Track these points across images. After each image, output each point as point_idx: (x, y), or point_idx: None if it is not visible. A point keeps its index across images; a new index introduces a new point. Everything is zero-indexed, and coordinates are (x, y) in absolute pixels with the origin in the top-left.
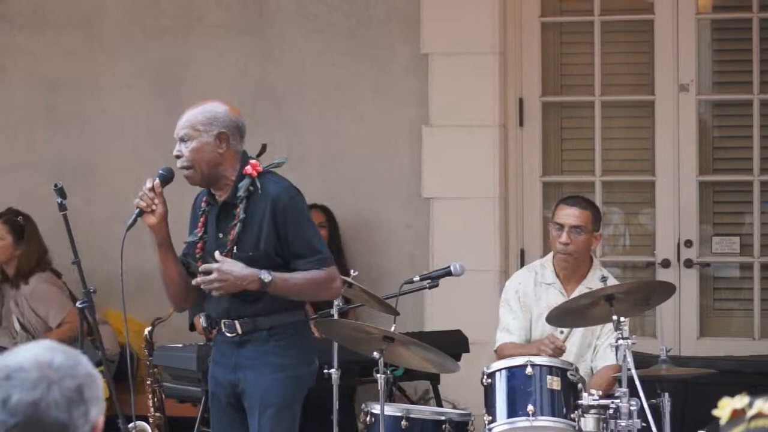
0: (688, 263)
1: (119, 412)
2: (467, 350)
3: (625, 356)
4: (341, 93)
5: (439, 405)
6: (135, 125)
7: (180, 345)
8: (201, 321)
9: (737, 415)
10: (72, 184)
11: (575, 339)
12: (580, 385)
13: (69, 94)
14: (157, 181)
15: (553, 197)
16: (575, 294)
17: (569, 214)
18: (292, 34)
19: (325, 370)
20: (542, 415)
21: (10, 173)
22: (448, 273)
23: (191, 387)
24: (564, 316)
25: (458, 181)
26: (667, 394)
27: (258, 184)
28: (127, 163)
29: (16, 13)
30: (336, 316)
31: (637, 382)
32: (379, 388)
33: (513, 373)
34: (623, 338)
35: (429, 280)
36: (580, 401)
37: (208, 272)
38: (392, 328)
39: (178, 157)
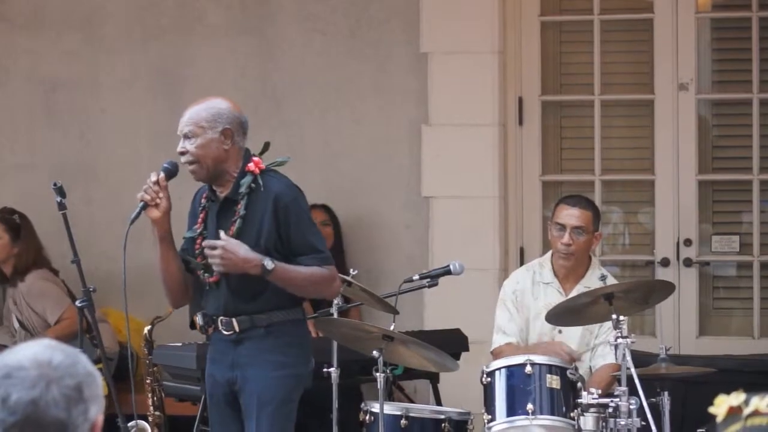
0: (688, 262)
1: (118, 411)
2: (467, 349)
3: (624, 355)
4: (341, 92)
5: (439, 404)
6: (135, 125)
7: (179, 344)
8: (198, 319)
9: (734, 413)
10: (72, 184)
11: (574, 338)
12: (579, 384)
13: (69, 94)
14: (162, 174)
15: (553, 196)
16: (573, 293)
17: (571, 215)
18: (292, 33)
19: (325, 369)
20: (542, 413)
21: (10, 173)
22: (447, 272)
23: (191, 386)
24: (563, 315)
25: (458, 180)
26: (666, 393)
27: (260, 182)
28: (127, 162)
29: (17, 13)
30: (335, 315)
31: (637, 381)
32: (379, 387)
33: (512, 371)
34: (622, 337)
35: (428, 279)
36: (579, 400)
37: (212, 248)
38: (392, 327)
39: (182, 153)
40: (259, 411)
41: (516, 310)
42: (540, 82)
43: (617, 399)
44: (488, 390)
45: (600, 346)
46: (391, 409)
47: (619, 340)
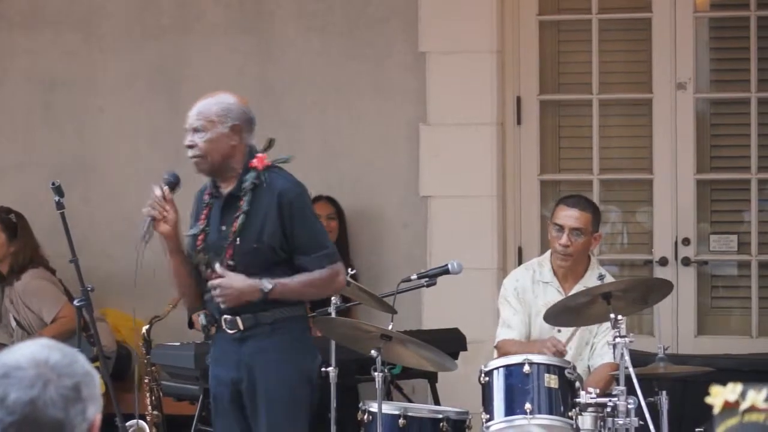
0: (686, 261)
1: (117, 410)
2: (465, 348)
3: (622, 354)
4: (339, 91)
5: (437, 403)
6: (134, 124)
7: (177, 343)
8: (200, 319)
9: (730, 407)
10: (70, 183)
11: (573, 338)
12: (577, 384)
13: (68, 93)
14: (167, 188)
15: (551, 195)
16: (572, 293)
17: (570, 216)
18: (290, 32)
19: (323, 369)
20: (540, 413)
21: (8, 172)
22: (445, 271)
23: (189, 385)
24: (561, 314)
25: (456, 179)
26: (664, 393)
27: (264, 178)
28: (125, 161)
29: (15, 12)
30: (333, 315)
31: (635, 381)
32: (377, 386)
33: (510, 371)
34: (621, 336)
35: (426, 279)
36: (577, 399)
37: (214, 288)
38: (390, 327)
39: (190, 146)
40: (268, 411)
41: (519, 305)
42: (538, 81)
43: (615, 398)
44: (486, 389)
45: (599, 346)
46: (389, 408)
47: (618, 340)
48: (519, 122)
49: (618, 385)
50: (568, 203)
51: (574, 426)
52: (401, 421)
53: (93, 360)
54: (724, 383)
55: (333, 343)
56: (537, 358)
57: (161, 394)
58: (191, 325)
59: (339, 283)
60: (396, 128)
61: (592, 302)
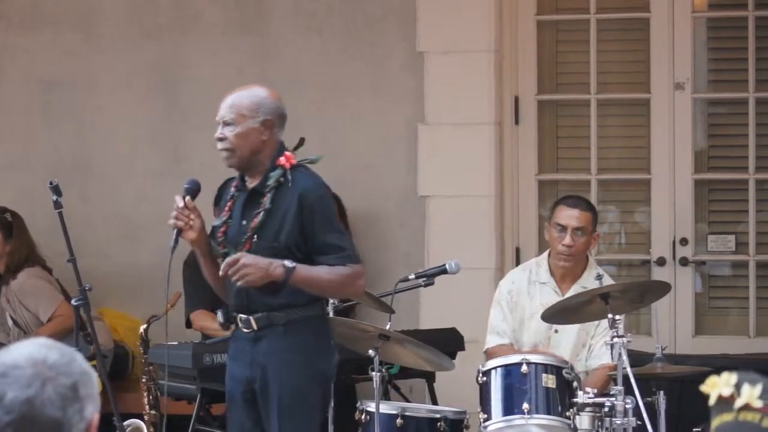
0: (684, 261)
1: (114, 410)
2: (462, 348)
3: (620, 354)
4: (337, 91)
5: (435, 403)
6: (132, 124)
7: (175, 343)
8: (218, 316)
9: (725, 400)
10: (69, 183)
11: (570, 338)
12: (575, 383)
13: (66, 93)
14: (189, 197)
15: (549, 195)
16: (570, 293)
17: (572, 216)
18: (288, 32)
19: None
20: (537, 413)
21: (6, 172)
22: (443, 271)
23: (187, 385)
24: (560, 314)
25: (454, 179)
26: (662, 393)
27: (289, 177)
28: (124, 161)
29: (13, 12)
30: (331, 314)
31: (633, 381)
32: (374, 386)
33: (508, 371)
34: (618, 336)
35: (424, 278)
36: (575, 399)
37: (232, 264)
38: (387, 326)
39: (220, 139)
40: (280, 412)
41: (509, 311)
42: (536, 81)
43: (613, 398)
44: (484, 389)
45: (596, 347)
46: (386, 408)
47: (615, 340)
48: (517, 122)
49: (616, 385)
50: (569, 203)
51: (572, 426)
52: (399, 420)
53: (90, 359)
54: None
55: (325, 345)
56: (535, 358)
57: (159, 393)
58: (188, 324)
59: (360, 286)
60: (394, 128)
61: (591, 302)
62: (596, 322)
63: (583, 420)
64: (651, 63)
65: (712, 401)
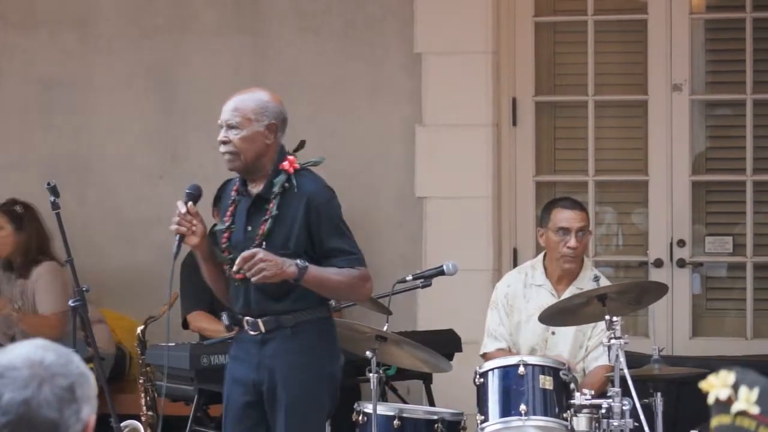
0: (681, 263)
1: (111, 411)
2: (460, 350)
3: (617, 356)
4: (335, 92)
5: (432, 404)
6: (130, 124)
7: (173, 344)
8: (224, 319)
9: (724, 402)
10: (66, 183)
11: (567, 340)
12: (572, 385)
13: (63, 93)
14: (191, 203)
15: (546, 197)
16: (566, 294)
17: (574, 218)
18: (286, 32)
19: None
20: (535, 414)
21: (4, 172)
22: (440, 272)
23: (184, 386)
24: (557, 316)
25: (451, 180)
26: (659, 394)
27: (294, 181)
28: (121, 161)
29: (11, 12)
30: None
31: (630, 382)
32: (372, 387)
33: (505, 372)
34: (616, 338)
35: (422, 280)
36: (572, 401)
37: (249, 258)
38: (385, 328)
39: (224, 142)
40: (289, 413)
41: (506, 315)
42: (534, 82)
43: (610, 400)
44: (481, 390)
45: (593, 348)
46: (384, 409)
47: (613, 341)
48: (514, 123)
49: (613, 386)
50: (566, 206)
51: (569, 427)
52: (396, 422)
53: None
54: None
55: (332, 348)
56: (532, 360)
57: (156, 394)
58: (185, 325)
59: (368, 289)
60: (391, 129)
61: (588, 304)
62: (593, 324)
63: (581, 421)
64: (648, 64)
65: (710, 401)
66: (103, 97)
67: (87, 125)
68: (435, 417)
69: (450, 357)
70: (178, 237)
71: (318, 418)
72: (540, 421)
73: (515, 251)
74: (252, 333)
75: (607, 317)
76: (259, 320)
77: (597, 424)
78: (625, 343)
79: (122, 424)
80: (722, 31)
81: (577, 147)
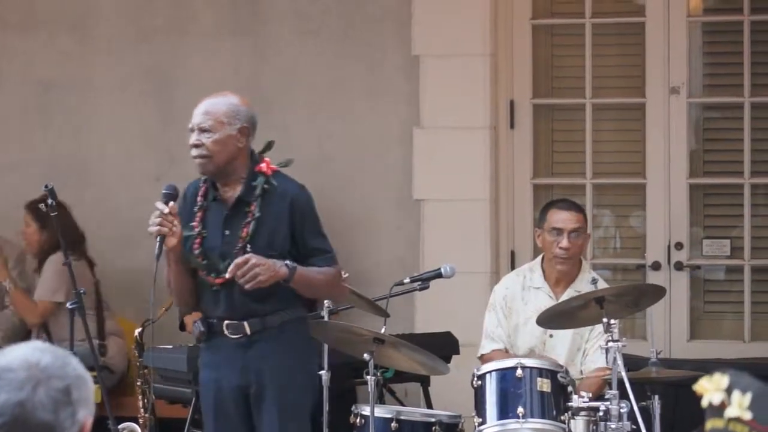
0: (679, 266)
1: (109, 413)
2: (457, 352)
3: (615, 358)
4: (333, 94)
5: (429, 407)
6: (128, 126)
7: (170, 346)
8: (196, 326)
9: (717, 407)
10: (64, 185)
11: (565, 342)
12: (570, 388)
13: (62, 95)
14: (172, 203)
15: (544, 199)
16: (564, 297)
17: (568, 219)
18: (284, 34)
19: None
20: (532, 417)
21: (3, 173)
22: (438, 275)
23: (181, 388)
24: (555, 318)
25: (449, 182)
26: (657, 397)
27: (274, 183)
28: (120, 163)
29: (9, 13)
30: (326, 318)
31: (627, 385)
32: (369, 389)
33: (503, 375)
34: (613, 340)
35: (419, 282)
36: (570, 403)
37: (243, 264)
38: (382, 330)
39: (196, 146)
40: (282, 413)
41: (504, 317)
42: (531, 85)
43: (608, 402)
44: (479, 393)
45: (591, 351)
46: (381, 412)
47: (610, 344)
48: (512, 126)
49: (611, 389)
50: (562, 207)
51: (567, 430)
52: (394, 424)
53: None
54: None
55: (326, 347)
56: (530, 362)
57: (153, 397)
58: (182, 327)
59: (344, 287)
60: (389, 131)
61: (585, 306)
62: (591, 327)
63: (578, 424)
64: (646, 67)
65: (703, 404)
66: (102, 98)
67: (86, 127)
68: (432, 419)
69: (447, 359)
70: (159, 238)
71: (306, 415)
72: (537, 423)
73: (513, 254)
74: (233, 337)
75: (605, 320)
76: (245, 323)
77: (595, 427)
78: (623, 345)
79: (120, 427)
80: (720, 34)
81: (574, 150)
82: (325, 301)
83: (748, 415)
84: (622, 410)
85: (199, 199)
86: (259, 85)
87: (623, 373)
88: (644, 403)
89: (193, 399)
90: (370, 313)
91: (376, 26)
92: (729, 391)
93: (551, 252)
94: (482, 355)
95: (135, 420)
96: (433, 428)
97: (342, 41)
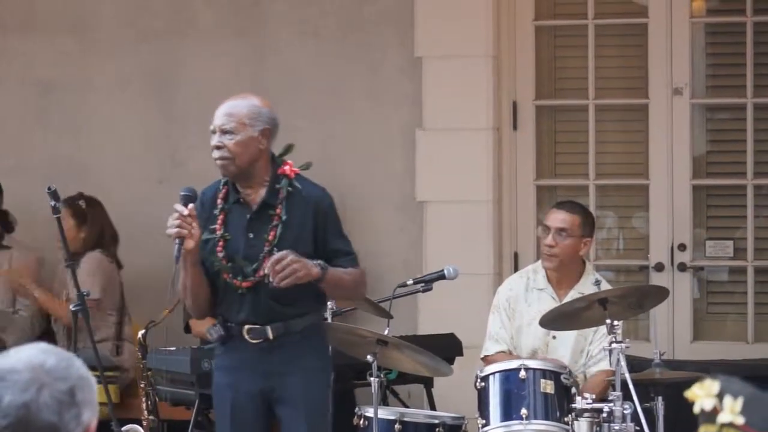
0: (682, 267)
1: (112, 415)
2: (461, 354)
3: (618, 360)
4: (334, 96)
5: (433, 408)
6: (128, 127)
7: (174, 348)
8: (213, 331)
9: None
10: (65, 187)
11: (568, 344)
12: (573, 389)
13: (62, 96)
14: (191, 205)
15: (547, 201)
16: (567, 299)
17: (556, 218)
18: (285, 36)
19: None
20: (536, 418)
21: (3, 175)
22: (441, 276)
23: (185, 390)
24: (558, 320)
25: (452, 184)
26: (660, 398)
27: (298, 186)
28: (120, 165)
29: (9, 15)
30: (330, 320)
31: (631, 386)
32: (373, 391)
33: (507, 376)
34: (617, 342)
35: (422, 284)
36: (573, 405)
37: (279, 261)
38: (386, 332)
39: (218, 147)
40: (309, 417)
41: (507, 318)
42: (534, 86)
43: (611, 404)
44: (482, 395)
45: (594, 352)
46: (385, 413)
47: (614, 345)
48: (515, 127)
49: (614, 390)
50: (558, 206)
51: (570, 431)
52: (397, 426)
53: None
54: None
55: (329, 348)
56: (533, 364)
57: (157, 398)
58: (187, 329)
59: (365, 286)
60: (392, 133)
61: (589, 308)
62: (594, 328)
63: (582, 426)
64: (649, 68)
65: (696, 410)
66: (102, 100)
67: (86, 127)
68: (436, 421)
69: (451, 361)
70: (178, 240)
71: (329, 417)
72: (541, 425)
73: (516, 255)
74: (254, 341)
75: (608, 321)
76: (267, 327)
77: (598, 429)
78: (626, 347)
79: (123, 429)
80: (723, 35)
81: (577, 151)
82: (328, 303)
83: (740, 420)
84: (625, 411)
85: (219, 201)
86: (260, 87)
87: (627, 375)
88: (648, 405)
89: (197, 401)
90: (373, 315)
91: (378, 27)
92: (720, 396)
93: (541, 248)
94: (485, 356)
95: (138, 422)
96: (437, 430)
97: (343, 42)
